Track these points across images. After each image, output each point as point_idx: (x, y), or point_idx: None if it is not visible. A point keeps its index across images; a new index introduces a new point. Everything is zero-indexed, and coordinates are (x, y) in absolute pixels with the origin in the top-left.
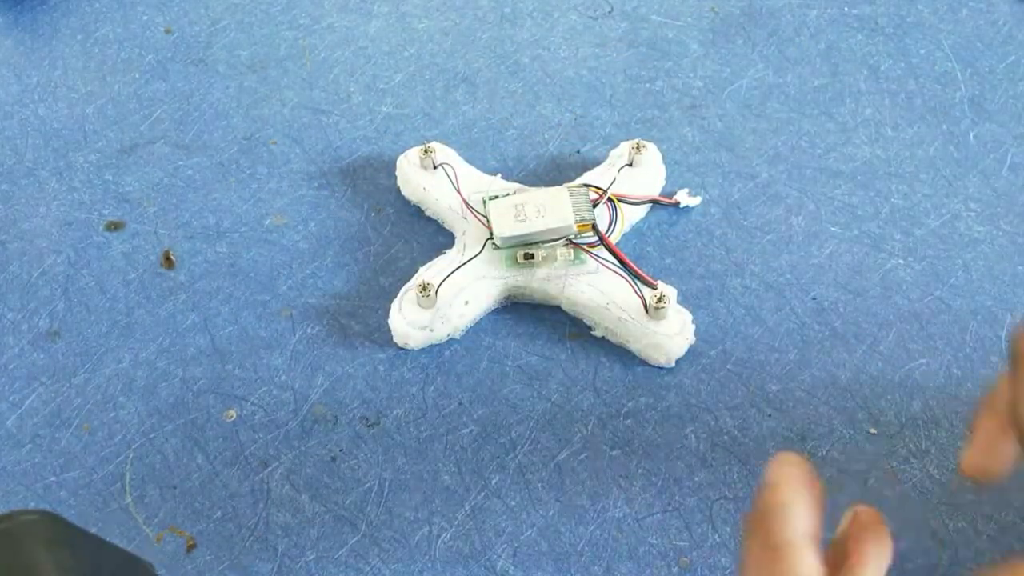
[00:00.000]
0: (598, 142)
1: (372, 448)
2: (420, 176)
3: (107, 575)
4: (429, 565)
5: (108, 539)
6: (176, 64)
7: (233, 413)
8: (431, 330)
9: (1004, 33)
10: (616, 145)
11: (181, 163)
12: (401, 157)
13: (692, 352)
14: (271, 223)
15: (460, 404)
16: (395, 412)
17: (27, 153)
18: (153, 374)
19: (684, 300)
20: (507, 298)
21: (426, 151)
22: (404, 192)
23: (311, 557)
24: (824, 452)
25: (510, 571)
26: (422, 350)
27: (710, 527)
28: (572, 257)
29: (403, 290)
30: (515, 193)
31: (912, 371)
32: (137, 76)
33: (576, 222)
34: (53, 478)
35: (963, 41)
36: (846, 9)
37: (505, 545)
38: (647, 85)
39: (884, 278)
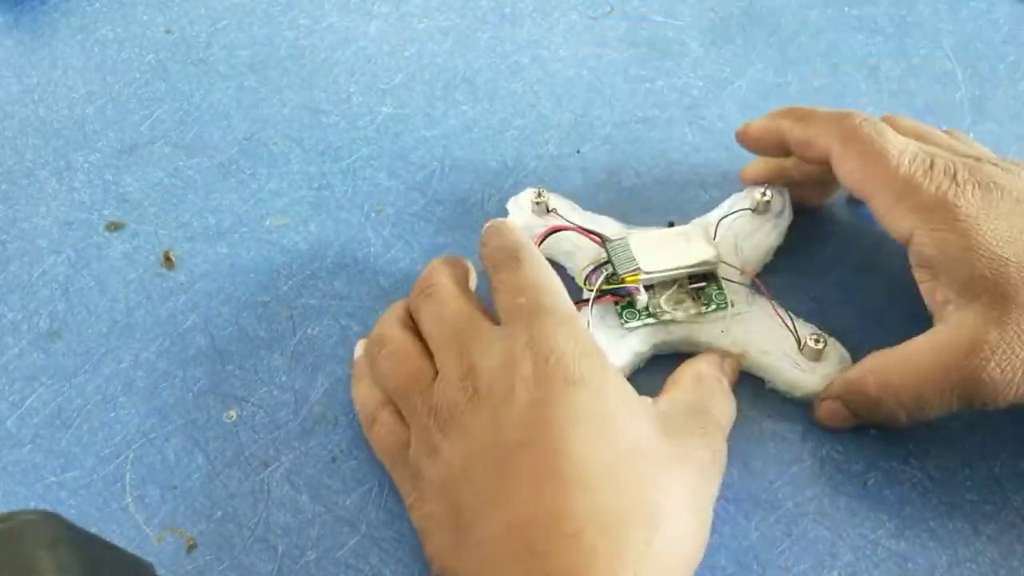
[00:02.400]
0: (598, 142)
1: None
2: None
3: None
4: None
5: (108, 539)
6: (176, 64)
7: (233, 413)
8: None
9: (1005, 33)
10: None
11: (181, 163)
12: (511, 202)
13: None
14: (271, 223)
15: None
16: None
17: (27, 153)
18: (153, 374)
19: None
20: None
21: (539, 195)
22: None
23: (311, 557)
24: (824, 453)
25: None
26: None
27: (710, 528)
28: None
29: None
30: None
31: None
32: (137, 76)
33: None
34: (53, 478)
35: (963, 41)
36: (846, 9)
37: None
38: (647, 85)
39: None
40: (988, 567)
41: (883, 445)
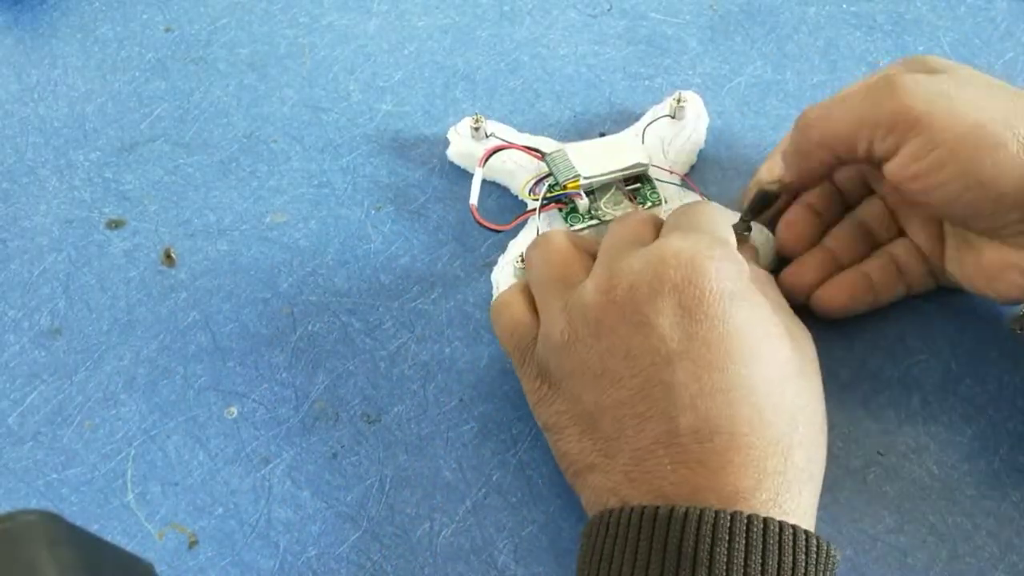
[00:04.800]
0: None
1: (373, 445)
2: (473, 146)
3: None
4: (431, 560)
5: (110, 536)
6: (176, 62)
7: (234, 410)
8: None
9: (1002, 30)
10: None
11: (181, 161)
12: (451, 131)
13: None
14: (271, 221)
15: (461, 401)
16: (396, 409)
17: (27, 151)
18: (154, 371)
19: None
20: None
21: (477, 121)
22: (454, 159)
23: (312, 553)
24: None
25: (511, 567)
26: (421, 348)
27: None
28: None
29: (501, 263)
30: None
31: (911, 367)
32: (137, 74)
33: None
34: (55, 475)
35: (961, 38)
36: (844, 6)
37: (506, 541)
38: (646, 82)
39: None
40: (987, 562)
41: (883, 440)
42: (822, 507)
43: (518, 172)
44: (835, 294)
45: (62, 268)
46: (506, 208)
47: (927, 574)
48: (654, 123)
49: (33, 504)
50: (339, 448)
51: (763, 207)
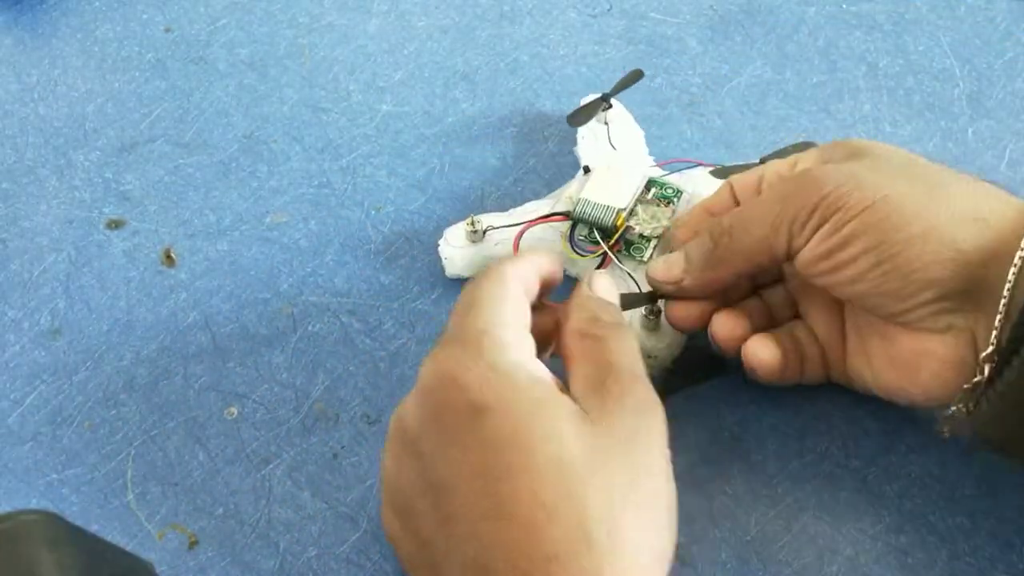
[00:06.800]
0: None
1: (373, 445)
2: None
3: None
4: None
5: (110, 536)
6: (176, 62)
7: (234, 410)
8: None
9: (1002, 30)
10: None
11: (181, 161)
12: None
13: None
14: (271, 221)
15: None
16: None
17: (27, 151)
18: (154, 372)
19: None
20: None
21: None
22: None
23: (313, 553)
24: (823, 448)
25: None
26: (421, 348)
27: (710, 523)
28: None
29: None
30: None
31: None
32: (137, 74)
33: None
34: (55, 475)
35: (961, 38)
36: (844, 6)
37: None
38: (646, 83)
39: None
40: (987, 562)
41: (883, 441)
42: (822, 507)
43: (541, 247)
44: (761, 347)
45: (62, 268)
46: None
47: (927, 574)
48: (587, 136)
49: (33, 504)
50: (339, 448)
51: (651, 302)
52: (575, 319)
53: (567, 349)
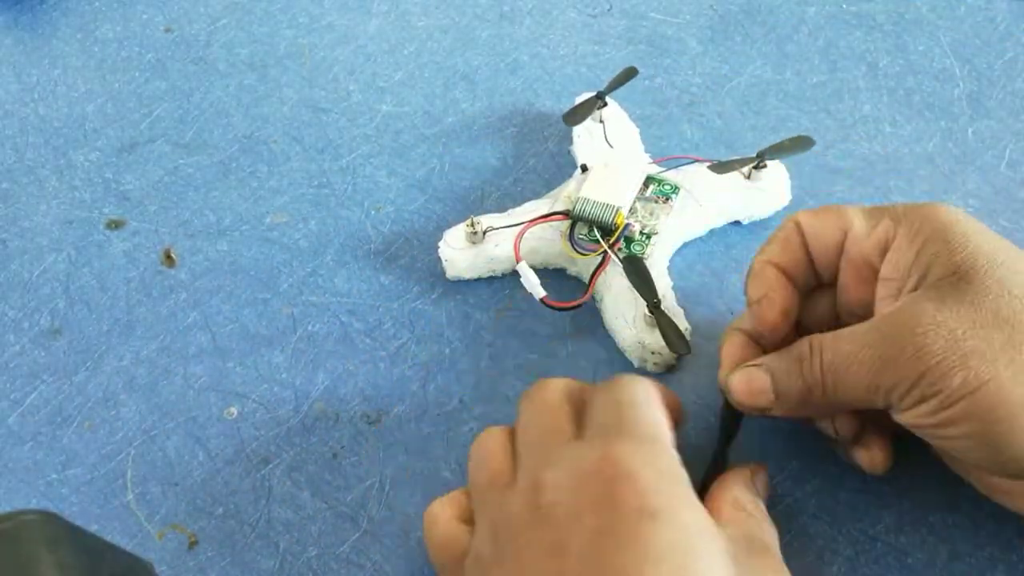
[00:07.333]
0: None
1: (373, 445)
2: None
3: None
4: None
5: (110, 536)
6: (176, 63)
7: (234, 410)
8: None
9: (1002, 30)
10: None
11: (181, 161)
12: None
13: (692, 350)
14: (271, 221)
15: (461, 402)
16: (396, 409)
17: (27, 152)
18: (154, 372)
19: (683, 297)
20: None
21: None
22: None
23: (313, 553)
24: (823, 448)
25: None
26: (421, 348)
27: None
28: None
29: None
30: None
31: None
32: (137, 75)
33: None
34: (55, 475)
35: (961, 38)
36: (844, 6)
37: None
38: (646, 82)
39: None
40: (987, 562)
41: None
42: (822, 507)
43: (541, 246)
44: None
45: (62, 268)
46: (551, 279)
47: (927, 574)
48: (583, 134)
49: (33, 504)
50: (339, 448)
51: (737, 425)
52: (738, 489)
53: (719, 505)
